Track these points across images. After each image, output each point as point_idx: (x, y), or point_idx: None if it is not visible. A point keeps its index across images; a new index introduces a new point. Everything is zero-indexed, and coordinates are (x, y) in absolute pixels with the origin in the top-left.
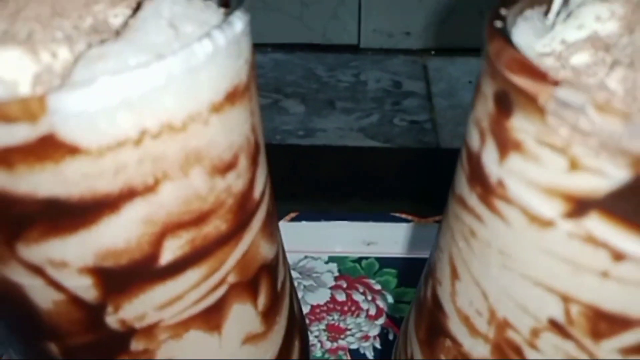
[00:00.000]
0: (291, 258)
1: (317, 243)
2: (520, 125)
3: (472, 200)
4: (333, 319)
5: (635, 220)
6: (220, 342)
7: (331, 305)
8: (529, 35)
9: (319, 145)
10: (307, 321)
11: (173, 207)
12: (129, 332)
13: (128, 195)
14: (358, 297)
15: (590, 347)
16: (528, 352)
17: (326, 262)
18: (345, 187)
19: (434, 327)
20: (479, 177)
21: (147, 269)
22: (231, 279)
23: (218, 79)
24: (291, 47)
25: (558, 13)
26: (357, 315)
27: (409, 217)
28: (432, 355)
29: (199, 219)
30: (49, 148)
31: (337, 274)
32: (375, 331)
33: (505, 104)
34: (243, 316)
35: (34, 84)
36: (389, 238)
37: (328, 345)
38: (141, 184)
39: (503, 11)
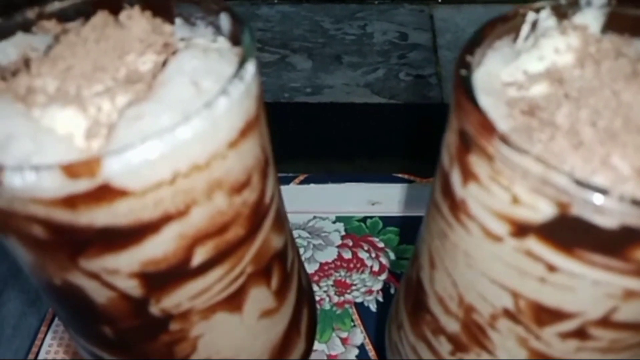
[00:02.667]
0: (301, 218)
1: (325, 204)
2: (476, 161)
3: (444, 208)
4: (340, 275)
5: (563, 244)
6: (241, 319)
7: (338, 263)
8: (497, 64)
9: (326, 102)
10: (317, 277)
11: (201, 224)
12: (167, 317)
13: (165, 219)
14: (363, 255)
15: (536, 331)
16: (489, 331)
17: (334, 222)
18: (352, 145)
19: (418, 303)
20: (448, 192)
21: (181, 271)
22: (249, 269)
23: (234, 122)
24: None
25: (526, 38)
26: (362, 272)
27: (411, 178)
28: (417, 325)
29: (222, 229)
30: (104, 194)
31: (343, 232)
32: (378, 286)
33: (465, 141)
34: (259, 297)
35: (87, 136)
36: (392, 198)
37: (335, 299)
38: (175, 210)
39: (468, 57)
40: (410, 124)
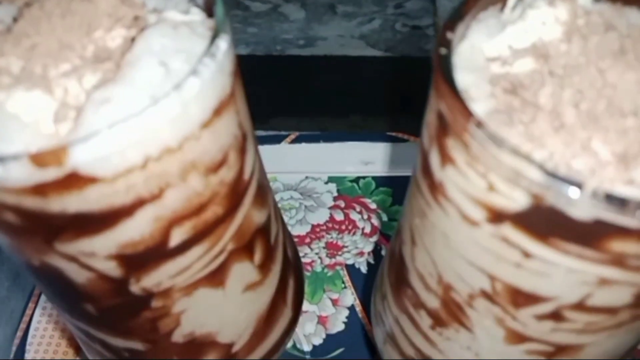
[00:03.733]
0: (292, 179)
1: (317, 164)
2: (453, 145)
3: (424, 187)
4: (332, 237)
5: (538, 232)
6: (225, 293)
7: (330, 225)
8: (481, 37)
9: (319, 55)
10: (308, 239)
11: (177, 206)
12: (149, 295)
13: (139, 203)
14: (355, 216)
15: (512, 312)
16: (467, 309)
17: (326, 183)
18: (346, 101)
19: (400, 277)
20: (427, 171)
21: (160, 252)
22: (230, 246)
23: (206, 103)
24: None
25: (514, 8)
26: (354, 233)
27: (405, 137)
28: (399, 298)
29: (199, 210)
30: (73, 181)
31: (336, 194)
32: (369, 247)
33: (443, 124)
34: (242, 271)
35: (54, 120)
36: (385, 157)
37: (327, 261)
38: (149, 194)
39: (449, 34)
40: (405, 79)
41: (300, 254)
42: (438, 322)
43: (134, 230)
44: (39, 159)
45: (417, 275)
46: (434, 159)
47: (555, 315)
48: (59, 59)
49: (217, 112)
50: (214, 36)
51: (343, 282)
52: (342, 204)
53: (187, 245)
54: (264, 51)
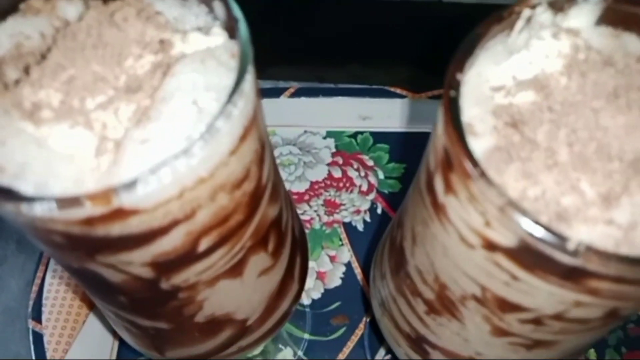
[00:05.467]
0: (291, 133)
1: (315, 118)
2: (456, 181)
3: (427, 200)
4: (330, 195)
5: (525, 264)
6: (242, 281)
7: (328, 182)
8: (488, 64)
9: None
10: (307, 197)
11: (206, 221)
12: (176, 289)
13: (174, 224)
14: (352, 174)
15: (499, 314)
16: (459, 306)
17: (324, 137)
18: (344, 49)
19: (400, 266)
20: (431, 189)
21: (188, 257)
22: (248, 244)
23: (234, 134)
24: None
25: (520, 31)
26: (351, 191)
27: (404, 93)
28: (398, 282)
29: (224, 220)
30: (118, 214)
31: (334, 149)
32: (366, 206)
33: (449, 160)
34: (258, 261)
35: (96, 154)
36: (384, 113)
37: (325, 218)
38: (183, 216)
39: (458, 75)
40: (408, 25)
41: (300, 212)
42: (432, 310)
43: (168, 244)
44: (89, 199)
45: (416, 270)
46: (438, 183)
47: (536, 321)
48: (94, 91)
49: (243, 138)
50: (241, 70)
51: (340, 240)
52: (340, 161)
53: (212, 249)
54: None
